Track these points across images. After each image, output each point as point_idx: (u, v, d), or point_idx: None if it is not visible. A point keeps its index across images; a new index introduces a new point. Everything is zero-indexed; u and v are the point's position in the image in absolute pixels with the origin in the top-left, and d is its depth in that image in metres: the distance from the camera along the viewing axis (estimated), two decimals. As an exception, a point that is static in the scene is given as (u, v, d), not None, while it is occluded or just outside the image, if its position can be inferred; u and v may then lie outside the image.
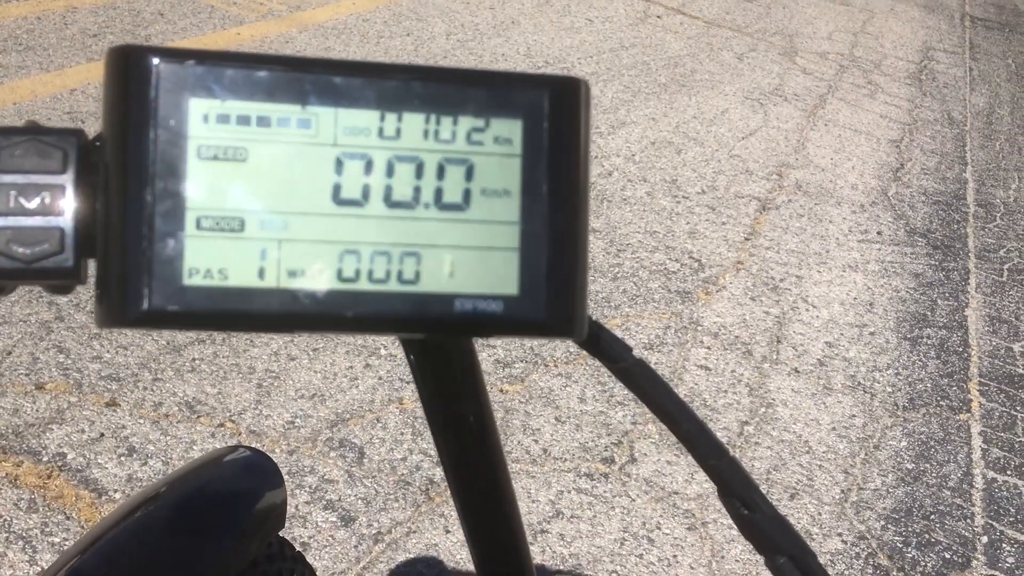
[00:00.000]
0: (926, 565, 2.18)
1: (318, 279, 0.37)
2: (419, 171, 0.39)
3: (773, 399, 2.60)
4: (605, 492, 2.17)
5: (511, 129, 0.39)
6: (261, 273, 0.37)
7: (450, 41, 4.64)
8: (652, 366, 0.49)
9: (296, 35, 4.34)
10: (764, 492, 0.50)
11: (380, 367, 2.40)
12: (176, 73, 0.36)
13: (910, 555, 2.20)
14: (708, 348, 2.76)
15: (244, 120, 0.37)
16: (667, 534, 2.10)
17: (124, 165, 0.36)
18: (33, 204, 0.36)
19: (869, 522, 2.26)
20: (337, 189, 0.38)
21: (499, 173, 0.39)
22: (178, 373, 2.25)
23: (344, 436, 2.16)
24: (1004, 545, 2.29)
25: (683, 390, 2.54)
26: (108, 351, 2.27)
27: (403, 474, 2.09)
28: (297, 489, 2.00)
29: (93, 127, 3.02)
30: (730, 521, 0.50)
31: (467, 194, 0.39)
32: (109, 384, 2.17)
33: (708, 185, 3.76)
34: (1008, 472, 2.53)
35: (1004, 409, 2.80)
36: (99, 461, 1.97)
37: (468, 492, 0.55)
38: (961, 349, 3.06)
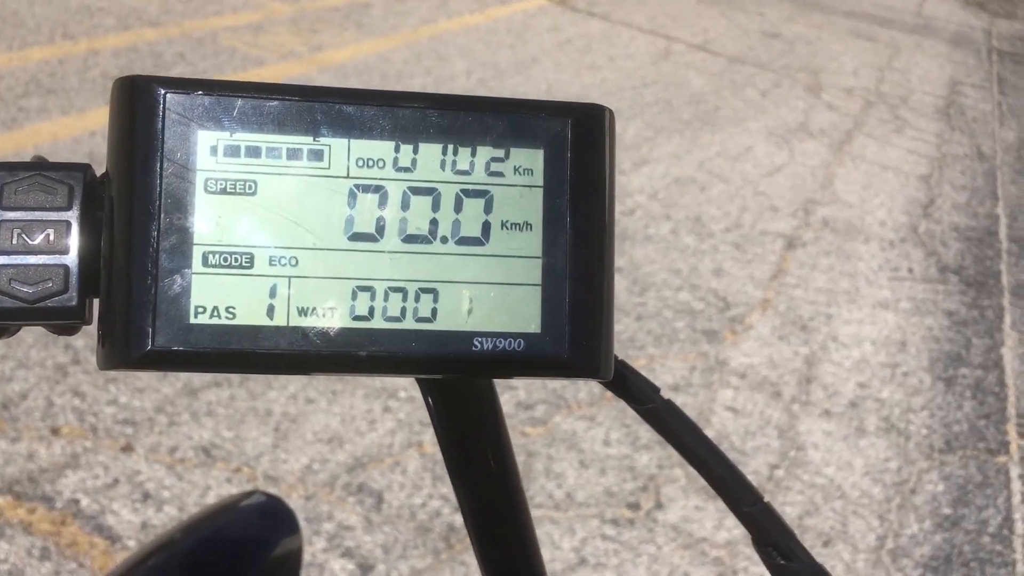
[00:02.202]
0: (968, 616, 2.09)
1: (330, 317, 0.36)
2: (436, 203, 0.37)
3: (804, 442, 2.53)
4: (631, 539, 2.11)
5: (532, 159, 0.38)
6: (270, 311, 0.36)
7: (471, 80, 4.64)
8: (680, 407, 0.46)
9: (316, 75, 4.35)
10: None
11: (399, 410, 2.35)
12: (184, 104, 0.35)
13: (951, 605, 2.11)
14: (735, 389, 2.69)
15: (254, 152, 0.36)
16: (696, 583, 2.03)
17: (130, 199, 0.35)
18: (37, 241, 0.34)
19: (907, 570, 2.18)
20: (350, 223, 0.36)
21: (520, 205, 0.38)
22: (194, 417, 2.21)
23: (362, 481, 2.11)
24: (1049, 595, 2.20)
25: (710, 432, 2.47)
26: (124, 395, 2.24)
27: (422, 520, 2.03)
28: (314, 536, 1.95)
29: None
30: (763, 570, 0.46)
31: (486, 227, 0.38)
32: (124, 428, 2.14)
33: (733, 222, 3.71)
34: (1051, 517, 2.45)
35: (1044, 451, 2.71)
36: (113, 507, 1.93)
37: (489, 539, 0.52)
38: (998, 389, 2.98)
